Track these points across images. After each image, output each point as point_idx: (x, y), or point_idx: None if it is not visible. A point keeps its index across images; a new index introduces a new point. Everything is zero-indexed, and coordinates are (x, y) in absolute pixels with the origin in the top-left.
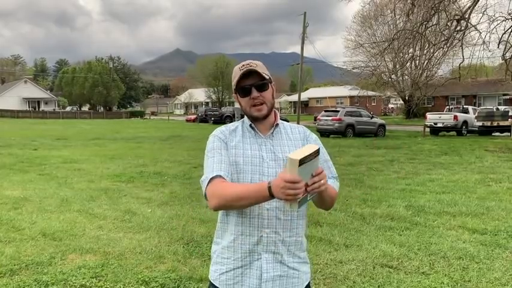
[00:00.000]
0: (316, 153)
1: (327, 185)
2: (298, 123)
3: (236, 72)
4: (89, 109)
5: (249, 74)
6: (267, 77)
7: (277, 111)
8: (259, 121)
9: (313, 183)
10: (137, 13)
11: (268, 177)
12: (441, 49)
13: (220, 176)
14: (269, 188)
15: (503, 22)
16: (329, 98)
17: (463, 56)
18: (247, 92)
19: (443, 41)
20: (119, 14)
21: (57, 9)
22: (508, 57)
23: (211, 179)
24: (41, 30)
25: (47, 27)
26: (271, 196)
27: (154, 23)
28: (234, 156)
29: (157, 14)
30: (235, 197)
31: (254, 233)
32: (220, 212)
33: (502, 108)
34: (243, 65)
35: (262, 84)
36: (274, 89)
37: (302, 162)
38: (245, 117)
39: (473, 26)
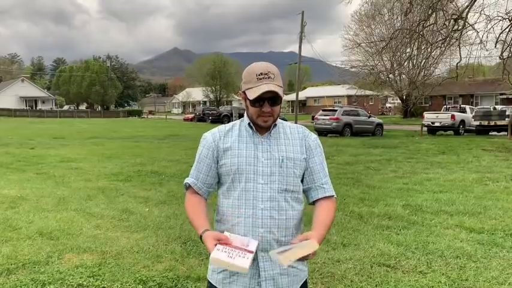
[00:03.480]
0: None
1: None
2: (296, 122)
3: (251, 77)
4: (86, 108)
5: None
6: (281, 91)
7: None
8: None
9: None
10: (136, 11)
11: (263, 176)
12: (439, 48)
13: (191, 187)
14: (201, 236)
15: (501, 22)
16: (327, 97)
17: (460, 56)
18: (260, 103)
19: (440, 40)
20: (117, 12)
21: (54, 7)
22: (505, 57)
23: (187, 188)
24: (38, 28)
25: (44, 25)
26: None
27: (153, 22)
28: (229, 157)
29: (156, 12)
30: (188, 218)
31: (249, 233)
32: (216, 212)
33: (499, 107)
34: (262, 74)
35: (276, 98)
36: (283, 97)
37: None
38: (245, 115)
39: (471, 25)
